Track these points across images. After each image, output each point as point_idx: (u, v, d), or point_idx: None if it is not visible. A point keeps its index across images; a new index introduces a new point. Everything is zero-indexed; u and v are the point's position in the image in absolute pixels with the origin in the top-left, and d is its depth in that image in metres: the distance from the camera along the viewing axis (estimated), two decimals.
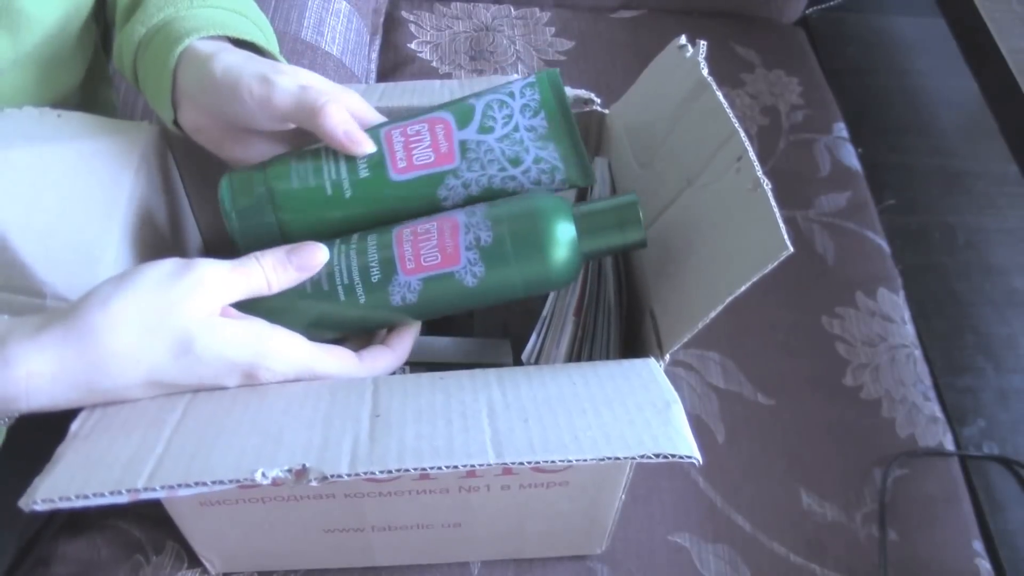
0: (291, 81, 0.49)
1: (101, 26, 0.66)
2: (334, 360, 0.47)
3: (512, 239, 0.47)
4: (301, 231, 0.51)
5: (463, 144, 0.50)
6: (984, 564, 0.66)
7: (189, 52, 0.52)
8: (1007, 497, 0.75)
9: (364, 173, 0.50)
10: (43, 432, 0.43)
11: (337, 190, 0.50)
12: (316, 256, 0.47)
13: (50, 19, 0.56)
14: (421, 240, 0.48)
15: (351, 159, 0.50)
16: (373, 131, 0.51)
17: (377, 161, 0.50)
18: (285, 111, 0.49)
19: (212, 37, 0.53)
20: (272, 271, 0.46)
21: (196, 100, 0.52)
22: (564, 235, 0.48)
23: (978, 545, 0.67)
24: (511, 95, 0.51)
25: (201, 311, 0.43)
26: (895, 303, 0.83)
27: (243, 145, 0.54)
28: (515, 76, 0.53)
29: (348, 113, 0.50)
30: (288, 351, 0.45)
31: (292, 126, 0.52)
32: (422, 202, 0.51)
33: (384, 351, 0.50)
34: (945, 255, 0.99)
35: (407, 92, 0.62)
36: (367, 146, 0.50)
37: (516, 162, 0.51)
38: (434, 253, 0.47)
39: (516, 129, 0.51)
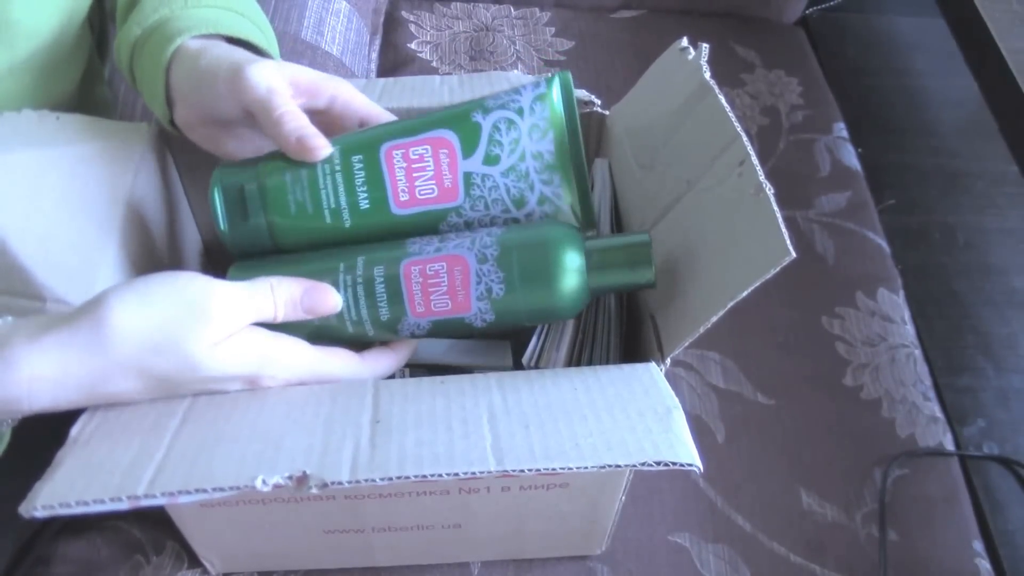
0: (263, 78, 0.48)
1: (96, 31, 0.66)
2: (337, 362, 0.47)
3: (523, 289, 0.46)
4: (296, 246, 0.51)
5: (467, 177, 0.49)
6: (984, 564, 0.66)
7: (181, 50, 0.52)
8: (1007, 497, 0.75)
9: (365, 204, 0.49)
10: (43, 432, 0.43)
11: (336, 219, 0.49)
12: (329, 303, 0.47)
13: (45, 28, 0.56)
14: (431, 284, 0.47)
15: (350, 185, 0.49)
16: (373, 146, 0.49)
17: (378, 191, 0.49)
18: (250, 108, 0.49)
19: (206, 36, 0.53)
20: (283, 306, 0.46)
21: (186, 97, 0.52)
22: (574, 277, 0.47)
23: (978, 545, 0.67)
24: (520, 112, 0.49)
25: (207, 343, 0.42)
26: (895, 303, 0.83)
27: (238, 140, 0.54)
28: (525, 81, 0.51)
29: (303, 118, 0.49)
30: (290, 359, 0.45)
31: None
32: (423, 232, 0.50)
33: (386, 353, 0.50)
34: (945, 255, 0.99)
35: (407, 89, 0.62)
36: (320, 151, 0.48)
37: (520, 203, 0.49)
38: (444, 300, 0.47)
39: (523, 158, 0.49)
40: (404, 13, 1.10)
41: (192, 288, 0.43)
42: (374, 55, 1.05)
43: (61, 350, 0.40)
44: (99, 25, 0.67)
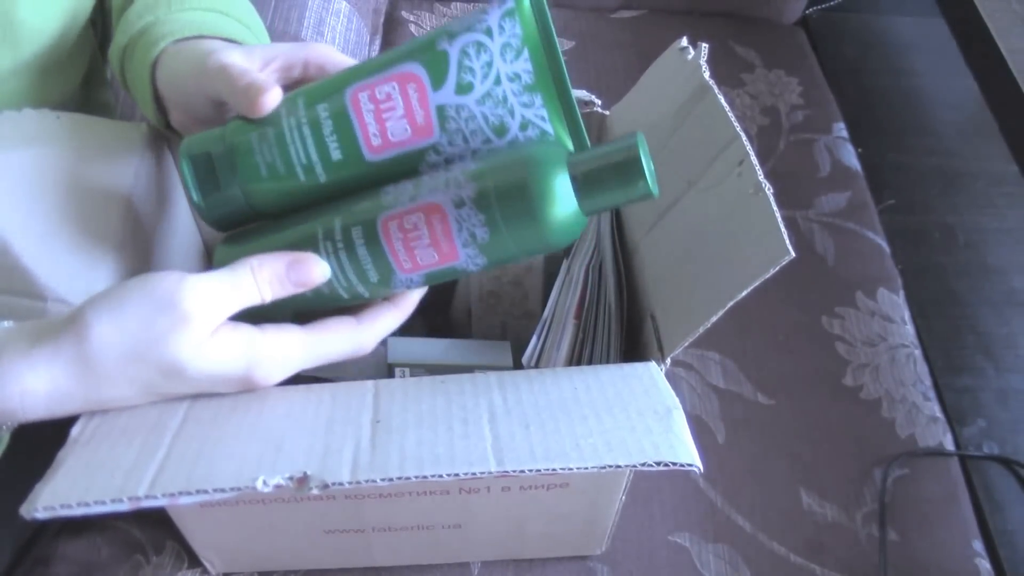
0: (216, 61, 0.47)
1: (99, 31, 0.66)
2: (334, 337, 0.45)
3: (509, 229, 0.42)
4: (273, 209, 0.48)
5: (441, 111, 0.45)
6: (984, 564, 0.66)
7: (164, 55, 0.51)
8: (1007, 497, 0.75)
9: (336, 155, 0.46)
10: (43, 432, 0.43)
11: (310, 175, 0.46)
12: (315, 273, 0.44)
13: (49, 29, 0.56)
14: (412, 238, 0.43)
15: (318, 136, 0.46)
16: (337, 92, 0.46)
17: (348, 139, 0.45)
18: (216, 96, 0.48)
19: (190, 39, 0.52)
20: (267, 285, 0.44)
21: (173, 100, 0.52)
22: (562, 206, 0.42)
23: (978, 545, 0.67)
24: (488, 32, 0.44)
25: (188, 345, 0.41)
26: (895, 303, 0.83)
27: None
28: (490, 4, 0.46)
29: (254, 74, 0.46)
30: (281, 352, 0.44)
31: None
32: (402, 177, 0.46)
33: (385, 308, 0.47)
34: (945, 255, 0.99)
35: None
36: (267, 95, 0.45)
37: (501, 131, 0.45)
38: (430, 253, 0.44)
39: (498, 82, 0.44)
40: (404, 13, 1.10)
41: (162, 289, 0.41)
42: (374, 55, 1.05)
43: (49, 366, 0.40)
44: (101, 27, 0.67)
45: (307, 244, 0.45)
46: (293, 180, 0.46)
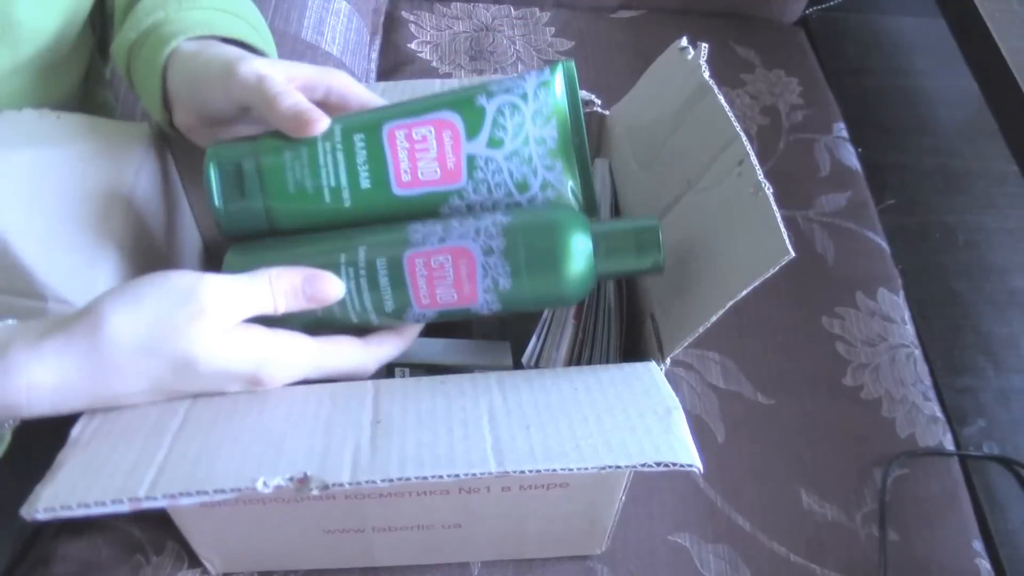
0: (253, 70, 0.48)
1: (98, 30, 0.66)
2: (340, 352, 0.47)
3: (531, 280, 0.46)
4: (293, 226, 0.50)
5: (471, 160, 0.48)
6: (984, 564, 0.66)
7: (177, 54, 0.52)
8: (1007, 497, 0.75)
9: (366, 184, 0.48)
10: (44, 432, 0.43)
11: (336, 198, 0.49)
12: (331, 291, 0.46)
13: (48, 29, 0.56)
14: (436, 277, 0.46)
15: (351, 163, 0.48)
16: (375, 126, 0.49)
17: (380, 171, 0.48)
18: (245, 102, 0.48)
19: (200, 38, 0.53)
20: (282, 296, 0.45)
21: (183, 100, 0.52)
22: (581, 265, 0.47)
23: (978, 545, 0.67)
24: (524, 97, 0.49)
25: (202, 338, 0.41)
26: (895, 303, 0.83)
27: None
28: (527, 72, 0.51)
29: (299, 95, 0.48)
30: (290, 357, 0.45)
31: None
32: (423, 215, 0.49)
33: (391, 335, 0.49)
34: (945, 255, 0.99)
35: (407, 92, 0.62)
36: (318, 123, 0.47)
37: (523, 187, 0.49)
38: (450, 292, 0.46)
39: (526, 143, 0.49)
40: (404, 13, 1.10)
41: (181, 284, 0.42)
42: (374, 55, 1.05)
43: (58, 358, 0.40)
44: (100, 27, 0.67)
45: (328, 266, 0.47)
46: (318, 201, 0.49)
